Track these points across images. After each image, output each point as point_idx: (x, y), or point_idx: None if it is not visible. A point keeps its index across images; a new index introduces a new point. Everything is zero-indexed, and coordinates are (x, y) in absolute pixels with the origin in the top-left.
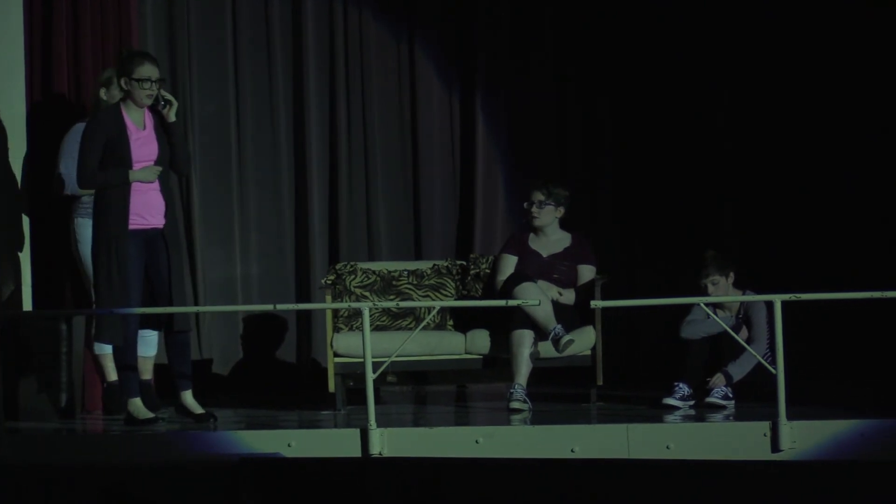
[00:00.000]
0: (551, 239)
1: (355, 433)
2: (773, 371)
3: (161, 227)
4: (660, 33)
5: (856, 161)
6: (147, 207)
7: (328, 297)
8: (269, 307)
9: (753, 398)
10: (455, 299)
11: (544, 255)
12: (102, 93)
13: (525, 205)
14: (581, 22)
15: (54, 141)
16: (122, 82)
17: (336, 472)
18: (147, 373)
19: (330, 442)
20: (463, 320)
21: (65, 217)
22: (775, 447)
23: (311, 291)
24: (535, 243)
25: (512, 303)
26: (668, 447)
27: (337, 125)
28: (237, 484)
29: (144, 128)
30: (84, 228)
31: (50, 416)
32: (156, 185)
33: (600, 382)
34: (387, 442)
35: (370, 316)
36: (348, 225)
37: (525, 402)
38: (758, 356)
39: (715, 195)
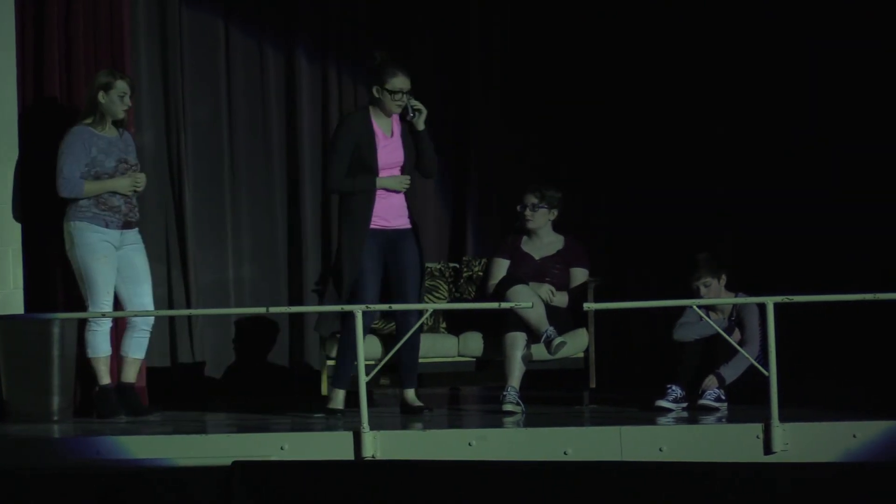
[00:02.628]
0: (544, 241)
1: (348, 436)
2: (765, 373)
3: (406, 227)
4: (655, 36)
5: (848, 163)
6: (390, 210)
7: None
8: (262, 310)
9: (746, 400)
10: (448, 302)
11: (537, 258)
12: (101, 96)
13: (518, 208)
14: (576, 24)
15: (46, 144)
16: (375, 90)
17: (329, 475)
18: (133, 376)
19: (323, 445)
20: (456, 323)
21: (58, 219)
22: (768, 449)
23: (304, 294)
24: (527, 246)
25: (505, 305)
26: (660, 449)
27: (330, 127)
28: (230, 487)
29: (392, 135)
30: (81, 232)
31: (42, 420)
32: (395, 170)
33: (593, 385)
34: (380, 445)
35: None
36: None
37: (518, 404)
38: (750, 358)
39: (707, 197)
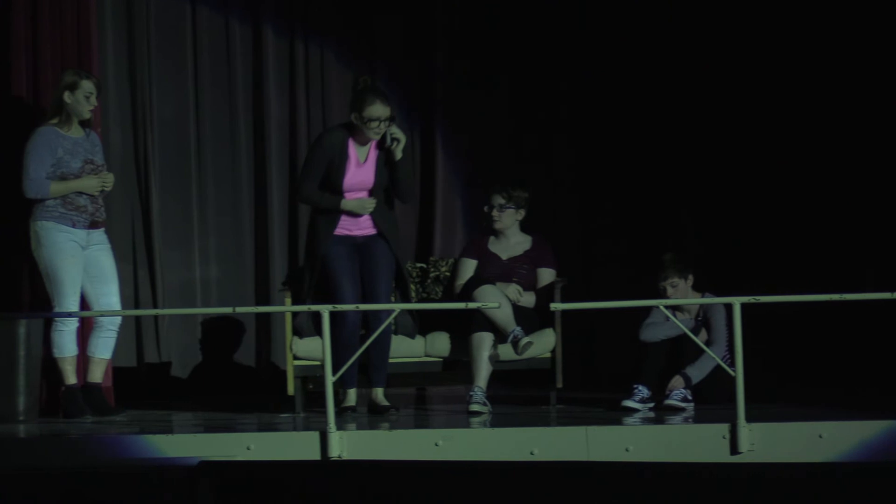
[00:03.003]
0: (511, 242)
1: (315, 436)
2: (732, 373)
3: (373, 233)
4: (620, 37)
5: (814, 164)
6: (354, 222)
7: (288, 300)
8: (229, 310)
9: (712, 400)
10: (415, 302)
11: (504, 258)
12: (67, 96)
13: (485, 208)
14: (542, 17)
15: (12, 145)
16: (353, 117)
17: (295, 475)
18: (99, 376)
19: (289, 445)
20: (423, 323)
21: (24, 219)
22: (734, 449)
23: (271, 294)
24: (494, 246)
25: (472, 305)
26: (627, 449)
27: (297, 126)
28: (196, 487)
29: (366, 159)
30: (47, 231)
31: (7, 420)
32: (363, 193)
33: (560, 385)
34: (346, 445)
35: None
36: (307, 226)
37: (485, 404)
38: (717, 358)
39: (674, 198)
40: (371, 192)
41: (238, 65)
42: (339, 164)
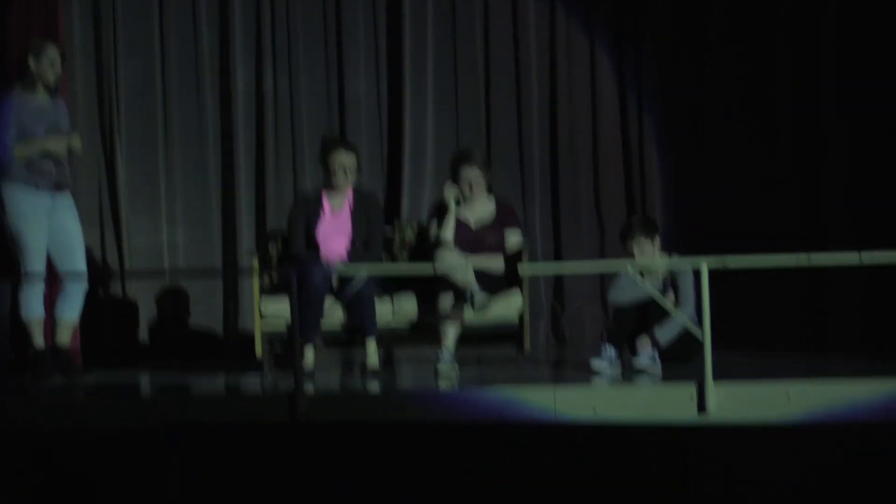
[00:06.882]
0: (477, 206)
1: (283, 398)
2: (699, 334)
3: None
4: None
5: (780, 129)
6: (330, 254)
7: (255, 263)
8: (196, 272)
9: (680, 360)
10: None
11: (473, 228)
12: (31, 61)
13: (459, 182)
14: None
15: None
16: (322, 168)
17: (263, 437)
18: (66, 339)
19: (258, 407)
20: (390, 286)
21: None
22: (701, 409)
23: (238, 257)
24: (462, 212)
25: (438, 268)
26: (594, 410)
27: (263, 90)
28: (165, 450)
29: (341, 209)
30: (13, 195)
31: None
32: (344, 240)
33: (528, 346)
34: (315, 407)
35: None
36: (275, 191)
37: (452, 366)
38: (685, 319)
39: (642, 160)
40: (352, 242)
41: (204, 29)
42: (313, 217)
